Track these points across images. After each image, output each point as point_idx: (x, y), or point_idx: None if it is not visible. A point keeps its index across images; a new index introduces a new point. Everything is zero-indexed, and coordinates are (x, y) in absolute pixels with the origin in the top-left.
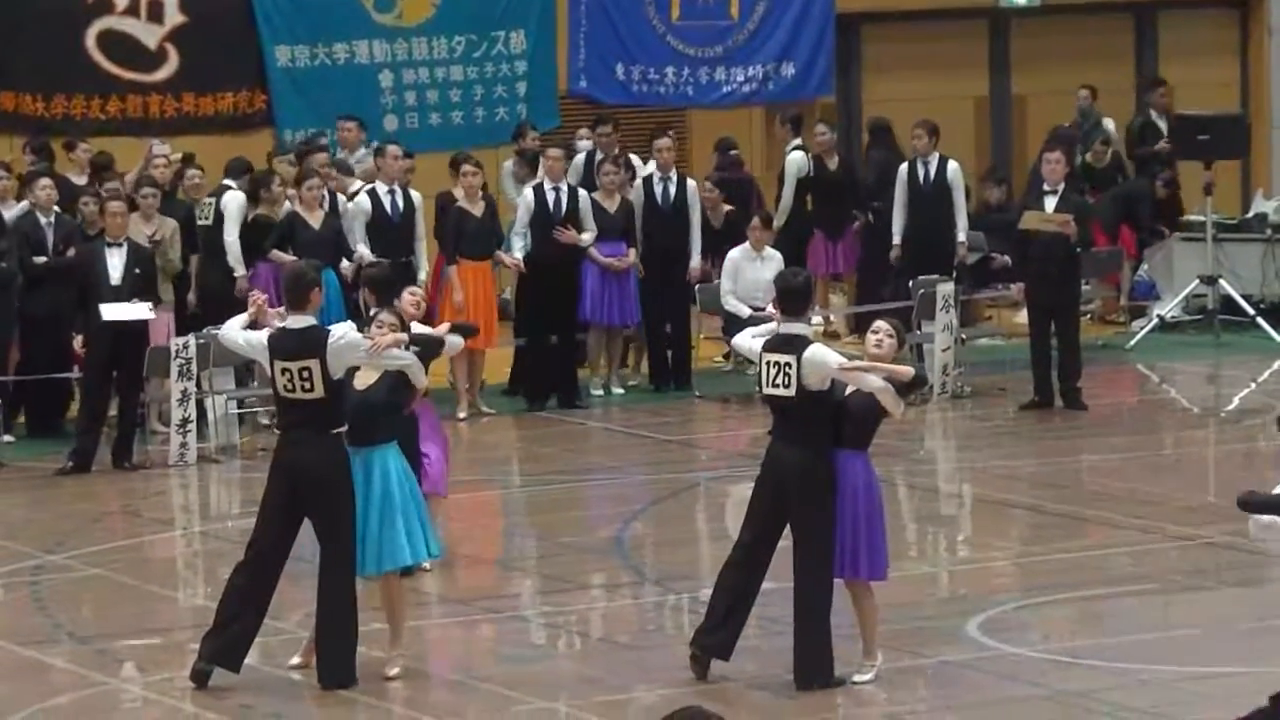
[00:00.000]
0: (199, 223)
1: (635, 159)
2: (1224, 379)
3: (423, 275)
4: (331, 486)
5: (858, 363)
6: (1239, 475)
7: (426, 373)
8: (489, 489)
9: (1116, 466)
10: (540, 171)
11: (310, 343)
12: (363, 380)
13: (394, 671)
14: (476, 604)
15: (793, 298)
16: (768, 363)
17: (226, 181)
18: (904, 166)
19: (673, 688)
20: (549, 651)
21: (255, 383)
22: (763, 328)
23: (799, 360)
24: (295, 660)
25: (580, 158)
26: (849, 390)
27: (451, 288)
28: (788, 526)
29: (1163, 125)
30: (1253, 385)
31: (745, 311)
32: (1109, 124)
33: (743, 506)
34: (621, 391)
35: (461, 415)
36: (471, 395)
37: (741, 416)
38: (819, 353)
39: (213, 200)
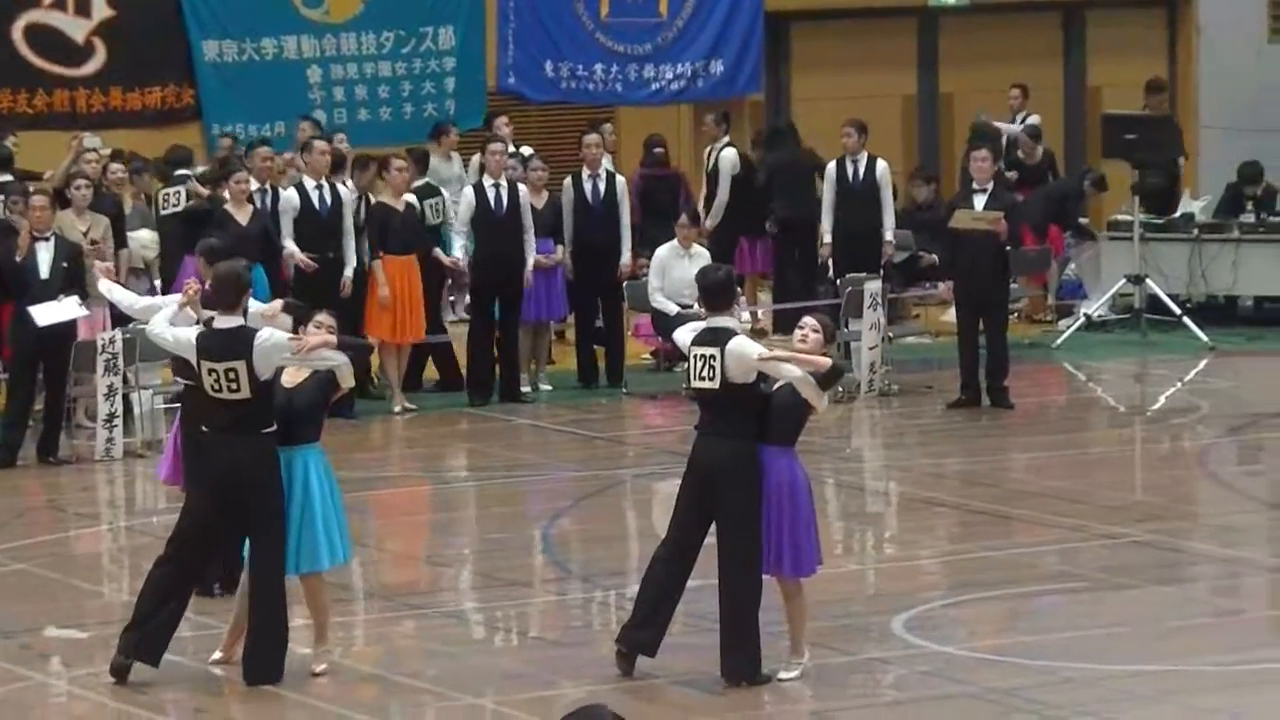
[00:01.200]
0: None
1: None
2: (1150, 378)
3: (349, 271)
4: (261, 486)
5: (777, 353)
6: (1165, 473)
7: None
8: (416, 484)
9: (1043, 465)
10: (438, 166)
11: (237, 344)
12: (291, 379)
13: (320, 668)
14: (402, 600)
15: (715, 293)
16: (695, 356)
17: (182, 172)
18: (832, 165)
19: (599, 684)
20: (475, 648)
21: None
22: (701, 323)
23: (723, 352)
24: (217, 655)
25: (475, 157)
26: (776, 385)
27: (378, 283)
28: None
29: None
30: (1179, 384)
31: (673, 309)
32: (1035, 119)
33: (670, 503)
34: (548, 388)
35: (396, 410)
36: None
37: (669, 413)
38: (740, 344)
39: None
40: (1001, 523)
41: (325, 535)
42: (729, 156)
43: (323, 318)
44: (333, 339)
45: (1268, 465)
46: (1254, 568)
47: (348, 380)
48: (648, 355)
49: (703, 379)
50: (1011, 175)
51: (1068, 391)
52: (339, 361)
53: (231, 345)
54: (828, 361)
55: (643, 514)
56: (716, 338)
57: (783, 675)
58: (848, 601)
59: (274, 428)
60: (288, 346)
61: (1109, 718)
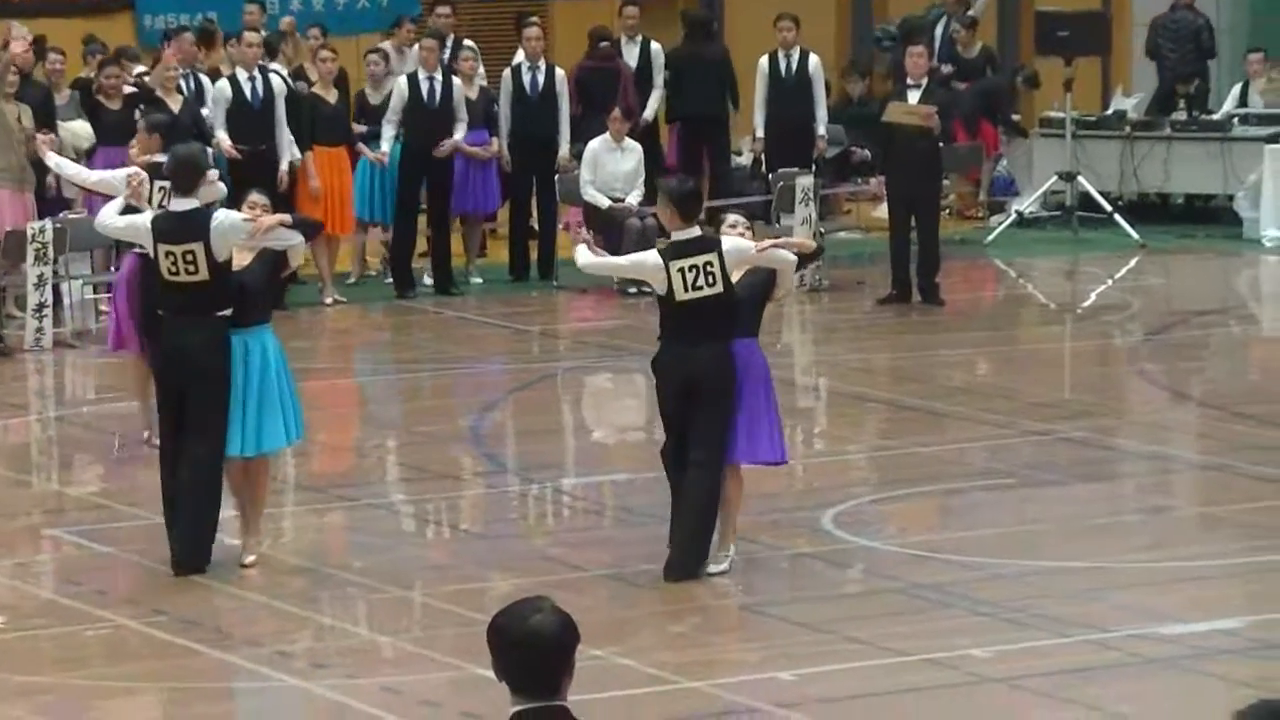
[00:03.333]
0: None
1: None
2: (1081, 275)
3: (284, 164)
4: (207, 371)
5: (768, 241)
6: (1094, 371)
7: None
8: (346, 377)
9: (973, 361)
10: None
11: (194, 226)
12: (238, 262)
13: (250, 559)
14: (332, 491)
15: (688, 204)
16: (681, 269)
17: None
18: (764, 59)
19: (528, 577)
20: (405, 539)
21: (114, 268)
22: (610, 259)
23: (720, 255)
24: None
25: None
26: (735, 278)
27: (308, 175)
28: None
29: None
30: (1109, 281)
31: (604, 202)
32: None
33: (600, 396)
34: (479, 281)
35: (326, 301)
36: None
37: (600, 307)
38: (735, 243)
39: None
40: (931, 419)
41: (283, 414)
42: (659, 49)
43: (255, 197)
44: (287, 218)
45: (1197, 363)
46: (1182, 465)
47: (297, 259)
48: None
49: (700, 288)
50: (947, 68)
51: (999, 288)
52: (295, 241)
53: (189, 227)
54: (813, 243)
55: (574, 407)
56: (704, 245)
57: (712, 568)
58: (777, 496)
59: (230, 310)
60: (244, 227)
61: (1037, 613)
